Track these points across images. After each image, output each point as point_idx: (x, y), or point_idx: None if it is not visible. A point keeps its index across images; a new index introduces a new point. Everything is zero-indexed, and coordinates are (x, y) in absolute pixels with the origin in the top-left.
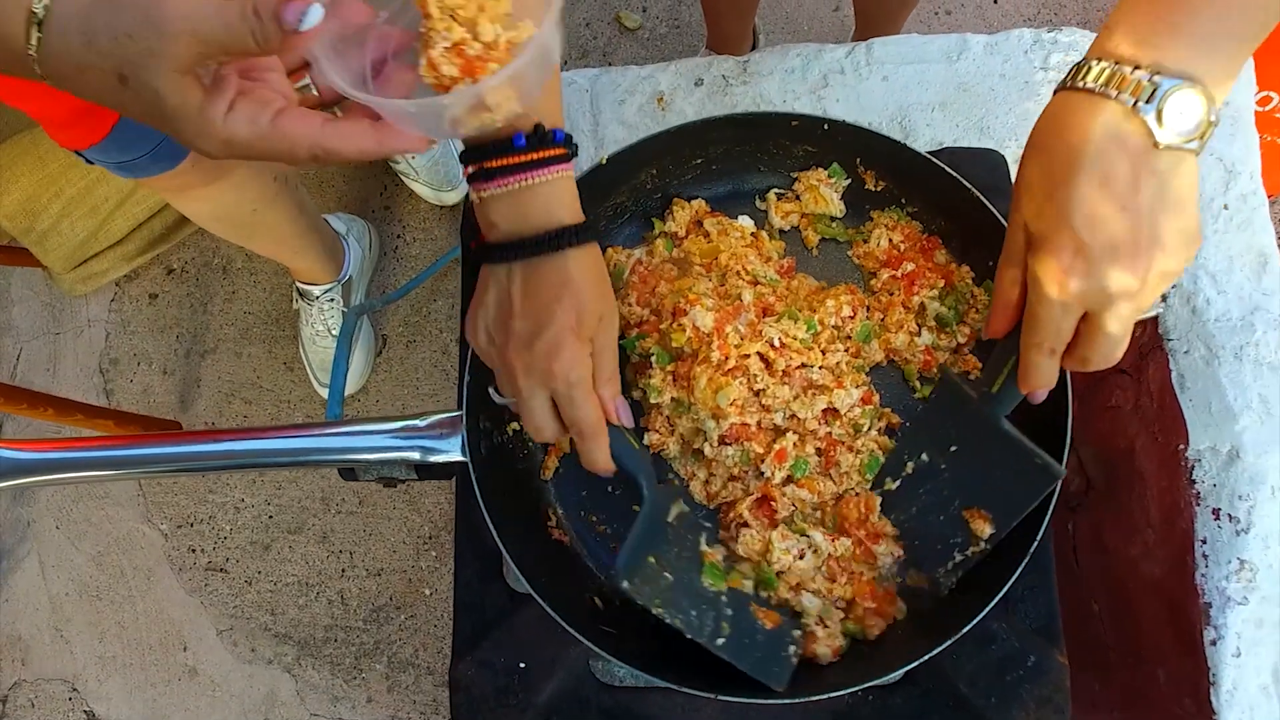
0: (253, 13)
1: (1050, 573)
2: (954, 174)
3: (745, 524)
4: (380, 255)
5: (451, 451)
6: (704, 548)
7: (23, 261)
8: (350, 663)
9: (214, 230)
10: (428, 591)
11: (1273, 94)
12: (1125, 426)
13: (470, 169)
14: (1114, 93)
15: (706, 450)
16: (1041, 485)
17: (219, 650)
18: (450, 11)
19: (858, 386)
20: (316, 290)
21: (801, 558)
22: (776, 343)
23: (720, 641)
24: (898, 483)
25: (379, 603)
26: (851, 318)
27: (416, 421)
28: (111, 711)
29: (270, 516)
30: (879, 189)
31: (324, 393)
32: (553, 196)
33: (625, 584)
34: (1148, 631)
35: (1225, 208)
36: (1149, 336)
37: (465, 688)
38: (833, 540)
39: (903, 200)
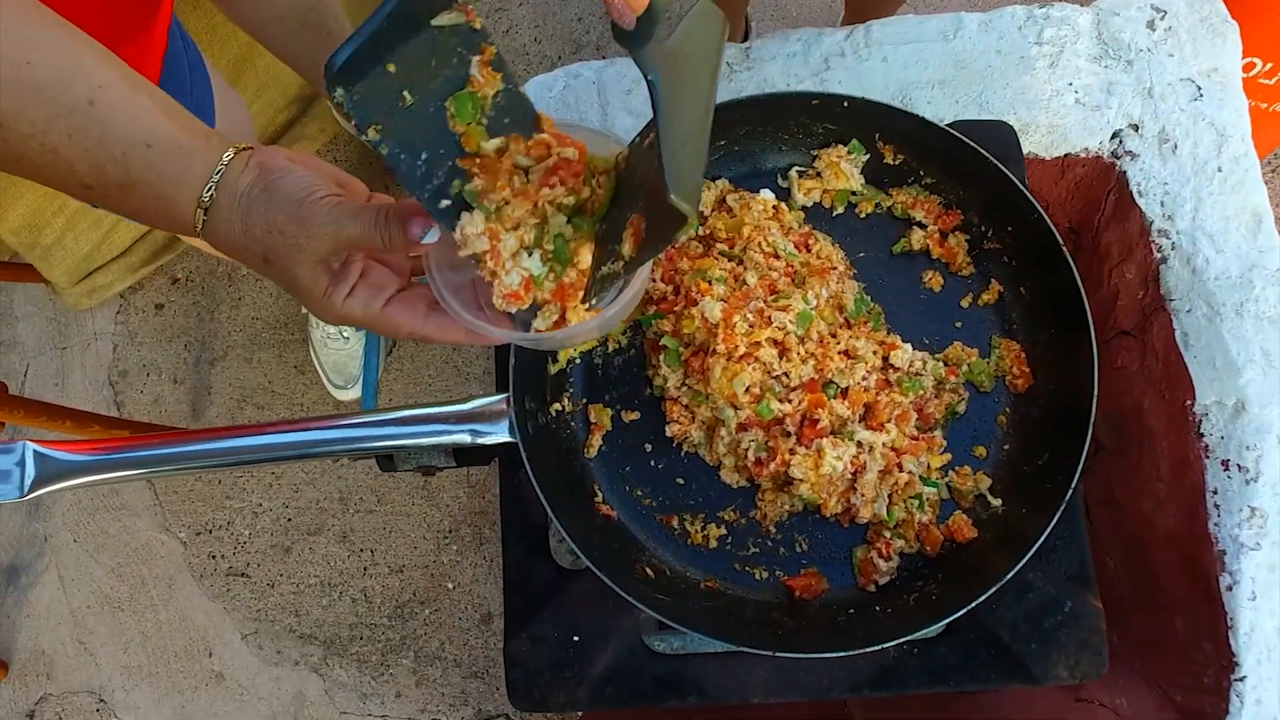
0: (384, 219)
1: (1080, 523)
2: (971, 143)
3: (792, 451)
4: None
5: (500, 433)
6: (474, 72)
7: (26, 277)
8: (377, 659)
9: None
10: (450, 585)
11: (1256, 60)
12: (1132, 386)
13: None
14: None
15: (724, 436)
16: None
17: (244, 654)
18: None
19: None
20: None
21: (855, 471)
22: (788, 326)
23: (444, 205)
24: None
25: (402, 599)
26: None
27: (463, 406)
28: None
29: (289, 519)
30: (897, 162)
31: (337, 394)
32: None
33: (338, 89)
34: (1164, 582)
35: (1219, 170)
36: (1151, 298)
37: (520, 663)
38: (879, 429)
39: (920, 173)
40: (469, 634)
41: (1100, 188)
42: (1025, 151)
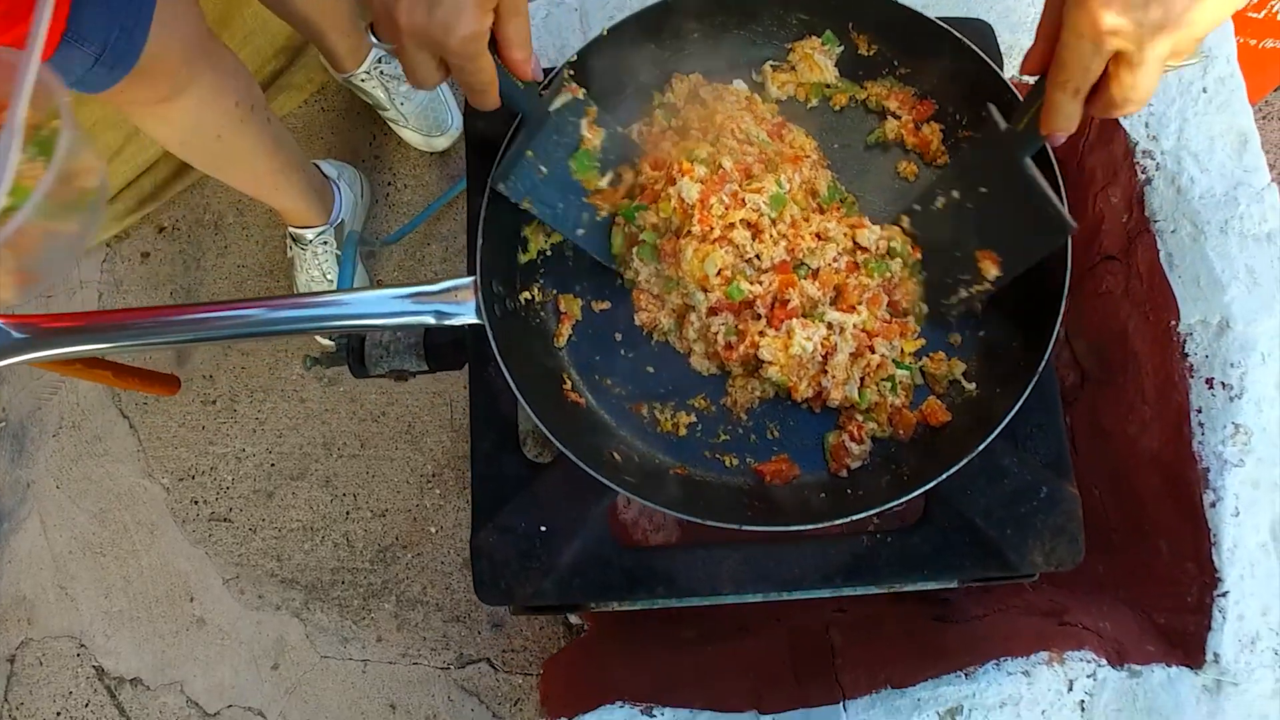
0: None
1: (1057, 410)
2: (947, 26)
3: (761, 334)
4: (372, 202)
5: (466, 315)
6: (584, 133)
7: None
8: (359, 604)
9: (185, 157)
10: (433, 529)
11: None
12: (1117, 310)
13: None
14: None
15: (695, 321)
16: (1052, 238)
17: (226, 599)
18: None
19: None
20: (309, 234)
21: (825, 353)
22: (761, 208)
23: (580, 232)
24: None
25: (385, 543)
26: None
27: (429, 287)
28: (120, 665)
29: (272, 464)
30: (871, 53)
31: (323, 340)
32: None
33: (501, 187)
34: (1148, 506)
35: (1204, 90)
36: (1136, 221)
37: (487, 554)
38: (849, 311)
39: (895, 63)
40: (451, 578)
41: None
42: (1008, 76)
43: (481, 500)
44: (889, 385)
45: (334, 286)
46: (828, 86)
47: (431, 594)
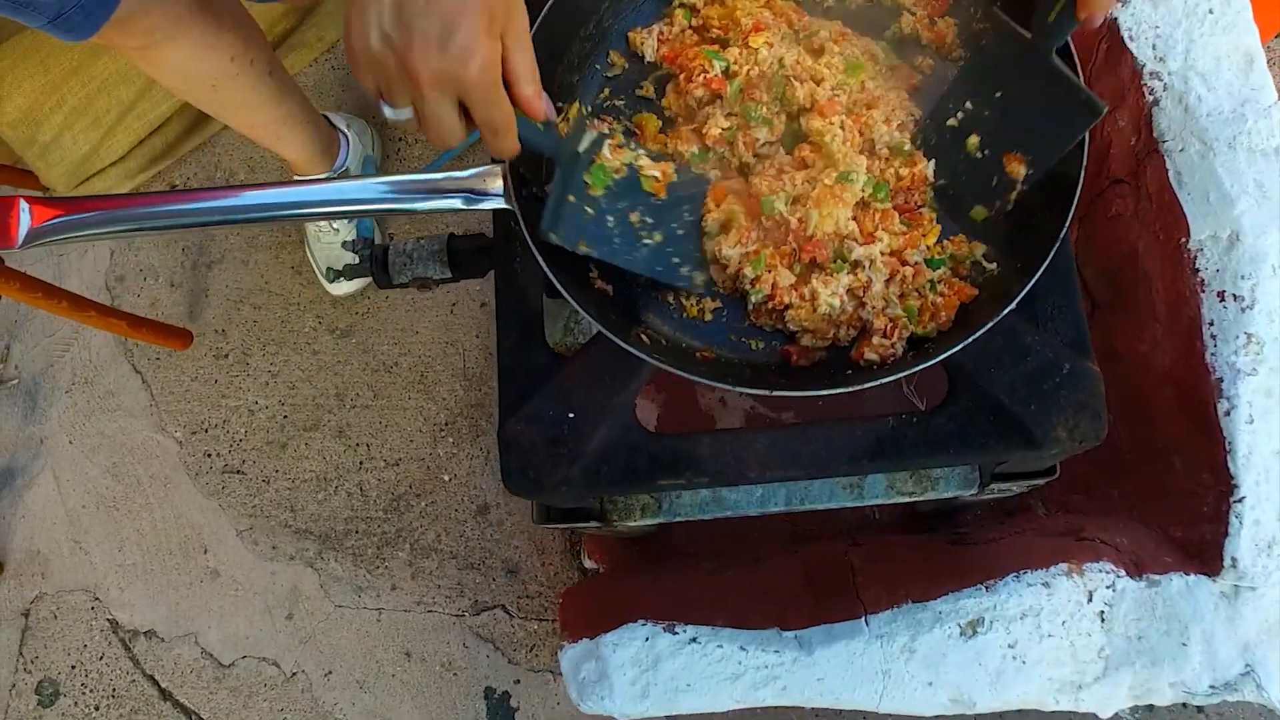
0: None
1: (1074, 292)
2: None
3: (787, 306)
4: (383, 158)
5: (495, 200)
6: (605, 154)
7: (26, 184)
8: (373, 553)
9: (184, 98)
10: (447, 478)
11: None
12: (1127, 232)
13: None
14: None
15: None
16: (1083, 122)
17: (240, 550)
18: None
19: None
20: None
21: (856, 291)
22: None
23: (642, 256)
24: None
25: (398, 492)
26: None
27: (459, 173)
28: (135, 618)
29: (285, 416)
30: None
31: (334, 289)
32: None
33: (552, 237)
34: (1162, 424)
35: (1210, 12)
36: (1144, 142)
37: (515, 442)
38: (871, 241)
39: None
40: (465, 526)
41: (1091, 36)
42: None
43: (508, 392)
44: (929, 286)
45: (339, 237)
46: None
47: (445, 542)
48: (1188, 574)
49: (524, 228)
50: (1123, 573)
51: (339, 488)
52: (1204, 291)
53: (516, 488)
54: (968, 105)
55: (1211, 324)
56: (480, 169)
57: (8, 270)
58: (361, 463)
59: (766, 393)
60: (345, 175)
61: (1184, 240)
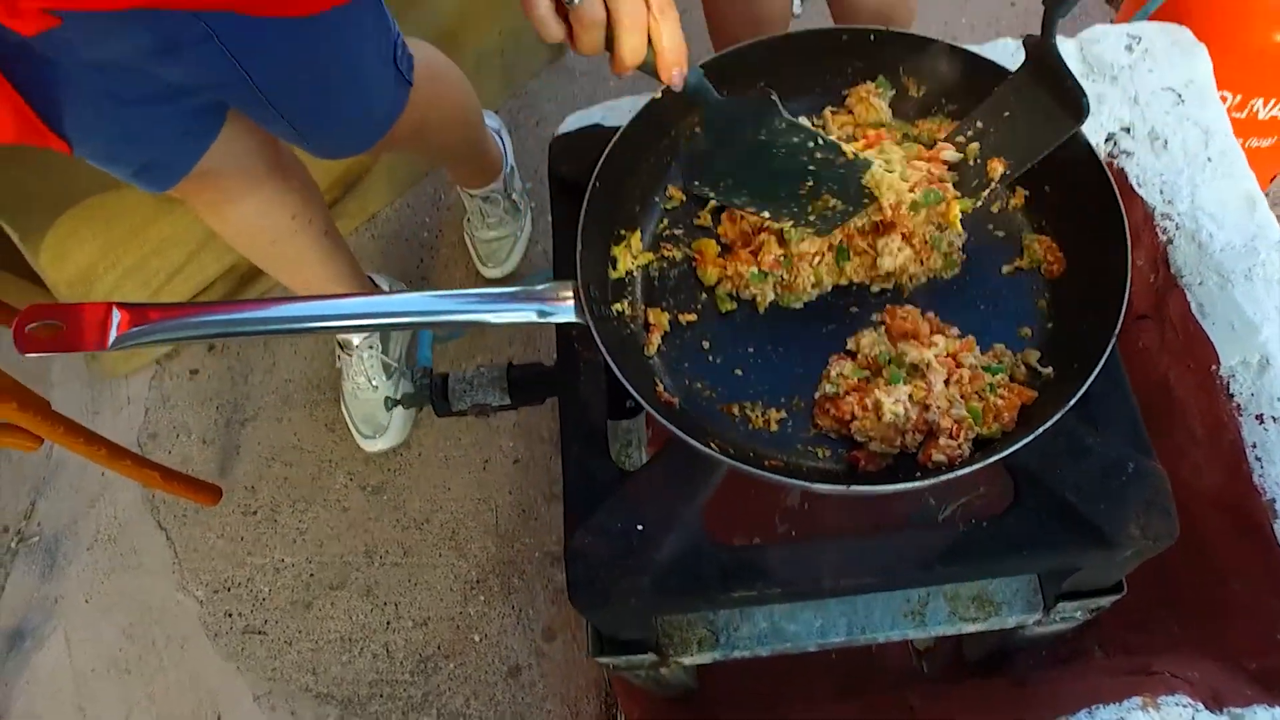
0: None
1: (1128, 395)
2: (991, 59)
3: (852, 417)
4: None
5: (566, 314)
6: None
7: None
8: (398, 718)
9: (243, 252)
10: (477, 638)
11: (1227, 94)
12: (1157, 363)
13: None
14: None
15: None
16: (1064, 125)
17: (256, 716)
18: None
19: None
20: (355, 339)
21: (918, 397)
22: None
23: (783, 207)
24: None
25: (426, 653)
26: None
27: (533, 287)
28: None
29: (311, 574)
30: (920, 94)
31: (366, 445)
32: None
33: (694, 184)
34: (1215, 548)
35: (1209, 160)
36: (1163, 279)
37: (583, 554)
38: (925, 345)
39: (943, 100)
40: (495, 689)
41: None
42: None
43: (575, 505)
44: (989, 389)
45: (379, 395)
46: (882, 126)
47: (475, 706)
48: (1273, 706)
49: (598, 338)
50: (1201, 706)
51: (364, 649)
52: (1241, 415)
53: (583, 601)
54: (978, 124)
55: (1254, 446)
56: (551, 283)
57: (54, 414)
58: (389, 622)
59: (844, 489)
60: (430, 290)
61: (1214, 367)
